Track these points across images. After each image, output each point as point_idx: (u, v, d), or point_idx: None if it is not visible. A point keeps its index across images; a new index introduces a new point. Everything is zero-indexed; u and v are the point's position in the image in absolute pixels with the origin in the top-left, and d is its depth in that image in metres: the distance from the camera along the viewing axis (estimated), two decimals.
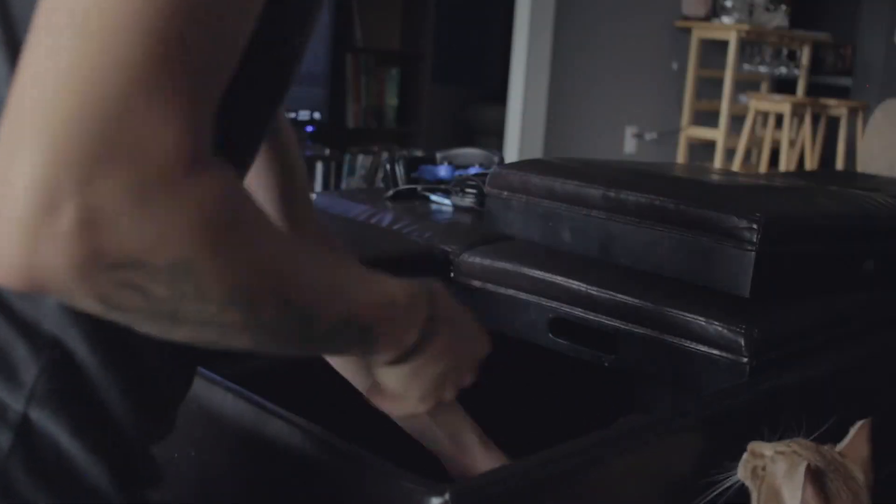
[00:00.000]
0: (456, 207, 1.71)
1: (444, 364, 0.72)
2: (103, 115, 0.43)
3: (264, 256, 0.51)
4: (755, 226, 1.18)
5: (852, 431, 0.95)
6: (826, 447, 0.93)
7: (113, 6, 0.44)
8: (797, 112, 4.75)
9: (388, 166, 1.87)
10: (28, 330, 0.54)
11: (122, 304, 0.47)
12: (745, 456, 0.93)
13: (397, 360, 0.68)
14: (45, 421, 0.54)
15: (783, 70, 5.54)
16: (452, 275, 1.41)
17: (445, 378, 0.74)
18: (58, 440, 0.55)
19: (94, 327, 0.55)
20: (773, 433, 0.95)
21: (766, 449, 0.92)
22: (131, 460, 0.60)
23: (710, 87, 5.29)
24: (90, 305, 0.48)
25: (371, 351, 0.66)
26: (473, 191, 1.69)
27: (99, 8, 0.44)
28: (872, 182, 2.10)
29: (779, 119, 4.92)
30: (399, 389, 0.73)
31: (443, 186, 1.76)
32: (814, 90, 5.72)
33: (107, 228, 0.44)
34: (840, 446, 0.94)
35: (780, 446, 0.91)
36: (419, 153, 1.84)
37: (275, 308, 0.52)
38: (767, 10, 5.32)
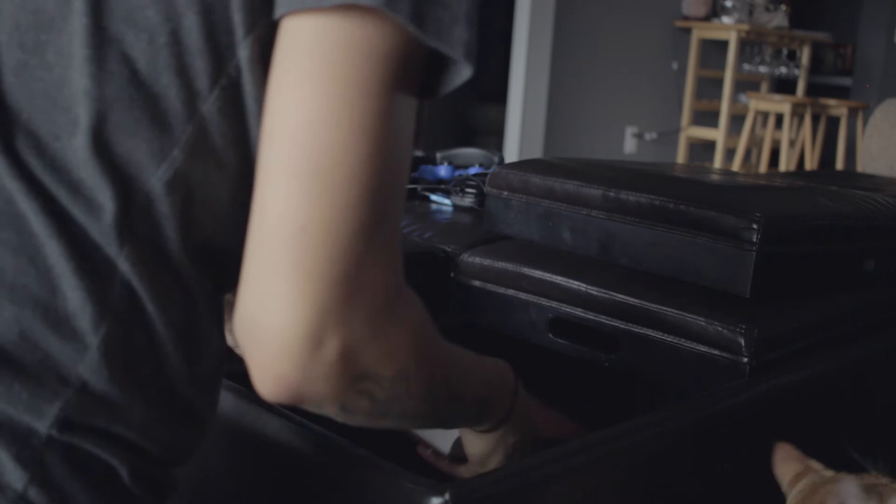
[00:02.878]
0: (456, 207, 1.70)
1: (522, 436, 0.83)
2: (345, 266, 0.53)
3: (445, 357, 0.66)
4: (755, 226, 1.18)
5: None
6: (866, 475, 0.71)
7: (348, 159, 0.53)
8: (797, 112, 4.75)
9: None
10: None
11: (355, 406, 0.60)
12: None
13: (491, 429, 0.81)
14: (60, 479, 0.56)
15: (783, 70, 5.54)
16: (452, 275, 1.41)
17: (520, 448, 0.84)
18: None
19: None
20: None
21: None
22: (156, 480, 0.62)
23: (710, 87, 5.29)
24: (331, 410, 0.60)
25: (481, 420, 0.79)
26: (473, 191, 1.69)
27: (336, 160, 0.52)
28: (872, 182, 2.09)
29: (779, 119, 4.92)
30: (481, 455, 0.84)
31: (443, 186, 1.76)
32: (814, 90, 5.73)
33: (358, 354, 0.56)
34: None
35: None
36: (419, 153, 1.83)
37: (446, 396, 0.68)
38: (767, 10, 5.32)
